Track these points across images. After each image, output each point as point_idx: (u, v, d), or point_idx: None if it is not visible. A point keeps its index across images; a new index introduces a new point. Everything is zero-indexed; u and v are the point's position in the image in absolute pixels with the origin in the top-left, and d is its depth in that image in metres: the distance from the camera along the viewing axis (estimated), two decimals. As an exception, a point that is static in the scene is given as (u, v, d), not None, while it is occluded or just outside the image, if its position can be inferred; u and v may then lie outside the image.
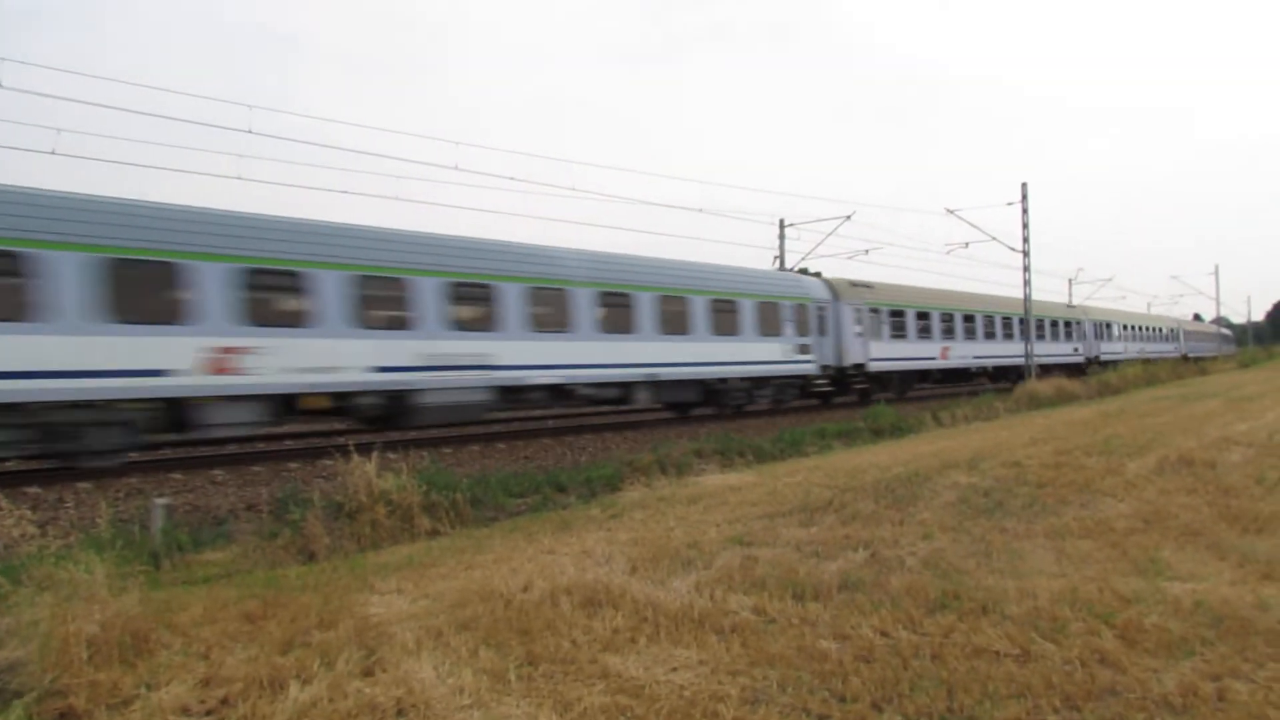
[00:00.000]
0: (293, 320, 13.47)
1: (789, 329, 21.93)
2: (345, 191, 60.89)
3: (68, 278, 11.37)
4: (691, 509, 9.06)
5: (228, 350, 12.61)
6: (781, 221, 34.27)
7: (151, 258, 12.14)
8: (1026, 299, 32.25)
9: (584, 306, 17.19)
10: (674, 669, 4.49)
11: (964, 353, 29.57)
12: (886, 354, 25.58)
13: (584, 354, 17.13)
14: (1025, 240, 31.49)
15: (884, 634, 4.88)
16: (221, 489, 11.57)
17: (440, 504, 9.10)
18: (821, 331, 23.11)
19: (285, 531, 8.22)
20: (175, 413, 12.61)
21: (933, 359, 27.78)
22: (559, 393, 17.26)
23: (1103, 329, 42.79)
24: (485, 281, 15.64)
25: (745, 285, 21.25)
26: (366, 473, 9.00)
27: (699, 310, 19.61)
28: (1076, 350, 39.49)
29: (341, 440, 16.39)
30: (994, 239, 32.47)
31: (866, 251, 34.91)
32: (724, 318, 20.25)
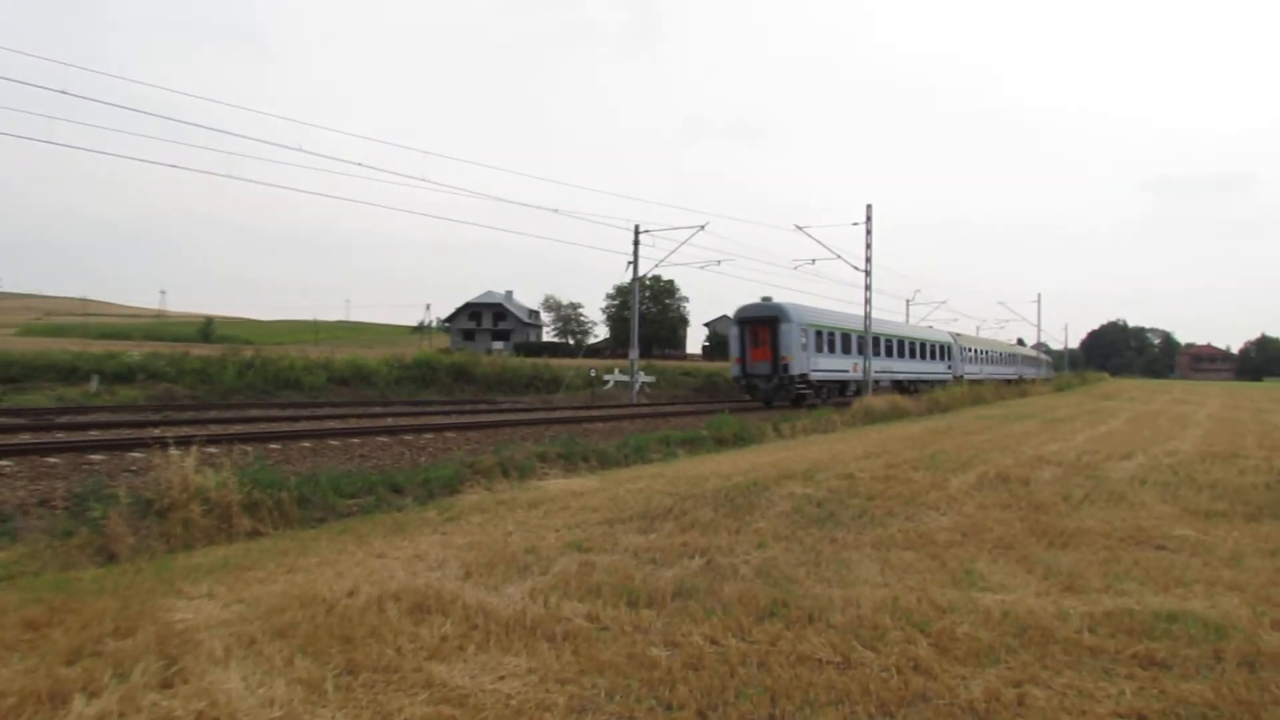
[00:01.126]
0: (868, 353, 34.45)
1: (945, 357, 46.84)
2: (175, 165, 57.27)
3: (838, 339, 33.31)
4: (532, 513, 9.00)
5: (855, 365, 33.52)
6: (637, 228, 34.68)
7: (847, 333, 33.87)
8: (867, 316, 33.85)
9: (915, 350, 42.07)
10: (502, 677, 4.43)
11: (992, 371, 56.99)
12: (971, 370, 52.34)
13: (913, 368, 41.07)
14: (868, 260, 33.06)
15: (714, 642, 4.97)
16: (9, 481, 10.60)
17: (263, 503, 8.67)
18: (953, 357, 48.46)
19: (83, 530, 7.61)
20: (844, 386, 34.03)
21: (979, 373, 53.84)
22: (901, 385, 39.29)
23: (1031, 359, 74.14)
24: (894, 338, 38.68)
25: (931, 335, 46.00)
26: (184, 468, 8.46)
27: (928, 350, 44.24)
28: (1020, 374, 66.65)
29: (157, 432, 15.38)
30: (839, 257, 34.00)
31: (719, 263, 35.69)
32: (928, 351, 44.52)
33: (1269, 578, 6.63)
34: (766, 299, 32.76)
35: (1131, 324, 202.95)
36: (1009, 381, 58.04)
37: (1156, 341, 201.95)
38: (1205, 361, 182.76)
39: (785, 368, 30.87)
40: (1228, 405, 39.40)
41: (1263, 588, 6.31)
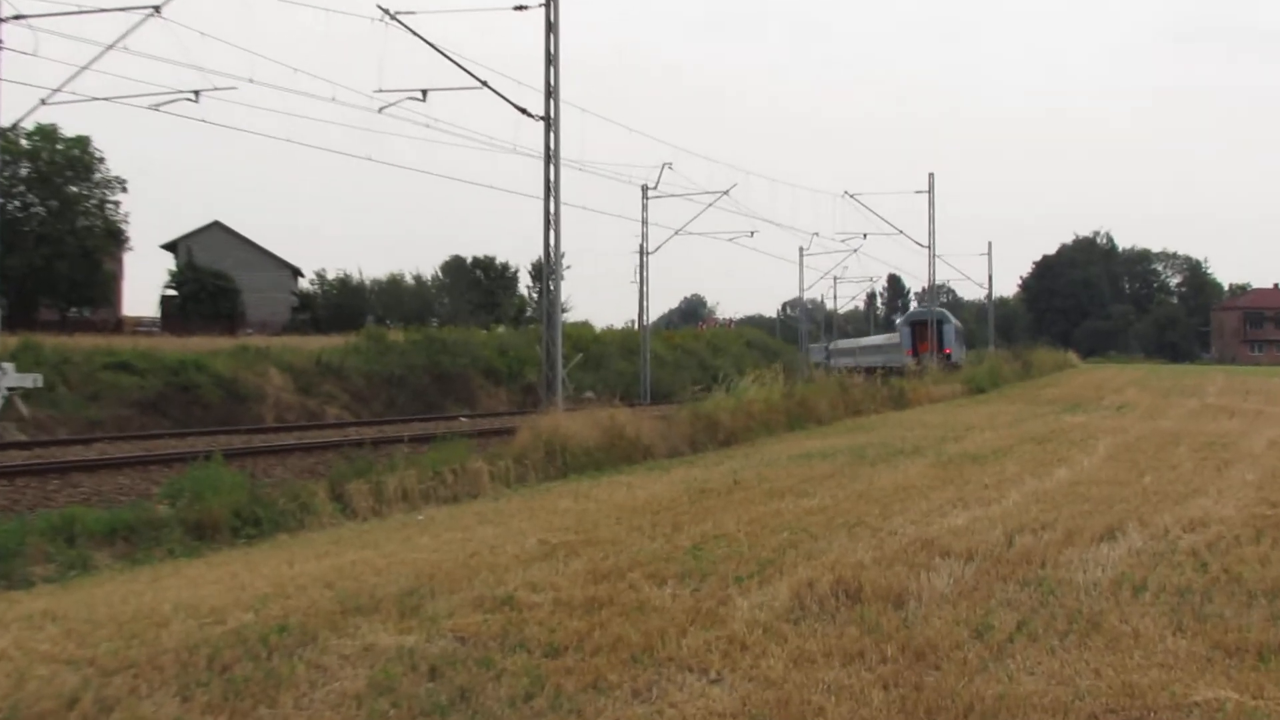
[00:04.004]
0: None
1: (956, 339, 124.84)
2: None
3: (962, 334, 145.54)
4: None
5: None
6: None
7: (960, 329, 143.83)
8: (549, 217, 34.77)
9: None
10: None
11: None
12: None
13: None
14: (551, 93, 33.92)
15: None
16: None
17: None
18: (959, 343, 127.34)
19: None
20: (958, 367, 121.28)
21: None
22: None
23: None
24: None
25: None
26: None
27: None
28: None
29: None
30: (485, 84, 34.50)
31: (196, 95, 35.54)
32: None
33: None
34: (926, 305, 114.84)
35: (1122, 245, 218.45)
36: (866, 373, 60.31)
37: (1175, 281, 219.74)
38: (1269, 323, 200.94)
39: (948, 356, 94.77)
40: (1309, 417, 43.74)
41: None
